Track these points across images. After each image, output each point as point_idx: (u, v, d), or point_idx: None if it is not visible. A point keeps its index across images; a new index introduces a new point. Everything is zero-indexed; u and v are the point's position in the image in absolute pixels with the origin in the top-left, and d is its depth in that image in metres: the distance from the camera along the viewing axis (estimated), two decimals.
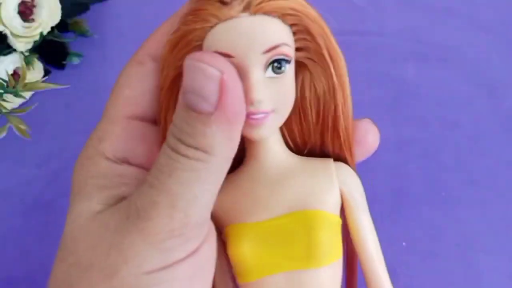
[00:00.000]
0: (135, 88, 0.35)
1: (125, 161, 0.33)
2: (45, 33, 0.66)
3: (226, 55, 0.32)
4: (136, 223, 0.29)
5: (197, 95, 0.29)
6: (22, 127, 0.60)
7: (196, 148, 0.29)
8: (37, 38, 0.66)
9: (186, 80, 0.29)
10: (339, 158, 0.39)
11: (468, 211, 0.60)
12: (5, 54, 0.64)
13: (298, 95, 0.37)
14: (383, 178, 0.63)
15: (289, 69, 0.35)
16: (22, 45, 0.65)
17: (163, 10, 0.40)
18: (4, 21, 0.63)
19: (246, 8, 0.32)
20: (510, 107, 0.69)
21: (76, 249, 0.30)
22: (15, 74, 0.64)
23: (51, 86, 0.58)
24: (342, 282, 0.37)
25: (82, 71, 0.71)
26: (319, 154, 0.39)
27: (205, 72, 0.29)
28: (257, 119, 0.34)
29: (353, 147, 0.40)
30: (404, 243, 0.59)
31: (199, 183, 0.29)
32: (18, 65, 0.64)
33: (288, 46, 0.33)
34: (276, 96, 0.34)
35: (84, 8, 0.73)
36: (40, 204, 0.61)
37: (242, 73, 0.32)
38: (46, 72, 0.70)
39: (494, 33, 0.74)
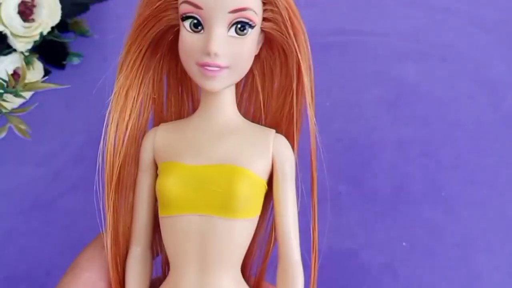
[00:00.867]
0: (95, 273, 0.40)
1: None
2: (45, 33, 0.66)
3: (196, 6, 0.36)
4: None
5: None
6: (22, 127, 0.60)
7: None
8: (37, 38, 0.65)
9: None
10: (285, 131, 0.42)
11: (468, 211, 0.60)
12: (5, 54, 0.63)
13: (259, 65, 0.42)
14: (383, 177, 0.62)
15: (252, 34, 0.38)
16: (22, 45, 0.65)
17: None
18: (4, 21, 0.63)
19: None
20: (510, 106, 0.68)
21: None
22: (15, 74, 0.63)
23: (51, 86, 0.57)
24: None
25: (82, 71, 0.71)
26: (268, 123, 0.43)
27: None
28: (211, 70, 0.37)
29: (300, 122, 0.43)
30: (404, 243, 0.58)
31: None
32: (18, 65, 0.64)
33: (254, 12, 0.37)
34: (233, 54, 0.37)
35: (84, 8, 0.73)
36: (40, 204, 0.61)
37: (207, 26, 0.37)
38: (46, 72, 0.69)
39: (494, 32, 0.74)
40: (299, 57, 0.39)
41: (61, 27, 0.70)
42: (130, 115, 0.41)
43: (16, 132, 0.62)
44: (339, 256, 0.57)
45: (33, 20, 0.67)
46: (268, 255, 0.44)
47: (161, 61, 0.42)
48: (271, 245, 0.44)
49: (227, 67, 0.38)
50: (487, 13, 0.76)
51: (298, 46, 0.39)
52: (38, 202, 0.62)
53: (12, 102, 0.65)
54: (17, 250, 0.59)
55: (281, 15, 0.38)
